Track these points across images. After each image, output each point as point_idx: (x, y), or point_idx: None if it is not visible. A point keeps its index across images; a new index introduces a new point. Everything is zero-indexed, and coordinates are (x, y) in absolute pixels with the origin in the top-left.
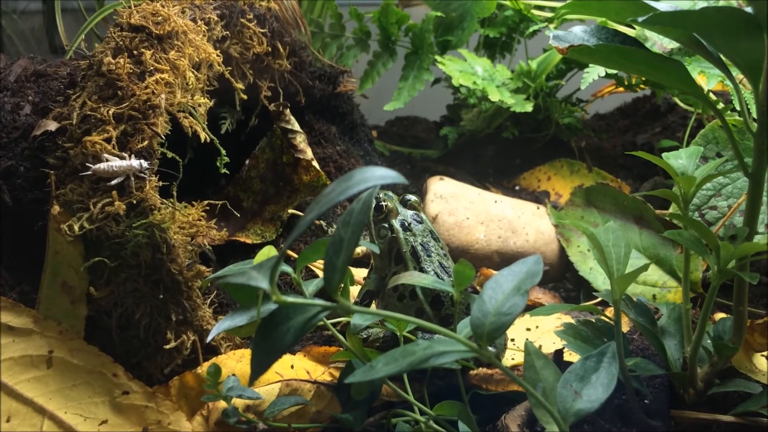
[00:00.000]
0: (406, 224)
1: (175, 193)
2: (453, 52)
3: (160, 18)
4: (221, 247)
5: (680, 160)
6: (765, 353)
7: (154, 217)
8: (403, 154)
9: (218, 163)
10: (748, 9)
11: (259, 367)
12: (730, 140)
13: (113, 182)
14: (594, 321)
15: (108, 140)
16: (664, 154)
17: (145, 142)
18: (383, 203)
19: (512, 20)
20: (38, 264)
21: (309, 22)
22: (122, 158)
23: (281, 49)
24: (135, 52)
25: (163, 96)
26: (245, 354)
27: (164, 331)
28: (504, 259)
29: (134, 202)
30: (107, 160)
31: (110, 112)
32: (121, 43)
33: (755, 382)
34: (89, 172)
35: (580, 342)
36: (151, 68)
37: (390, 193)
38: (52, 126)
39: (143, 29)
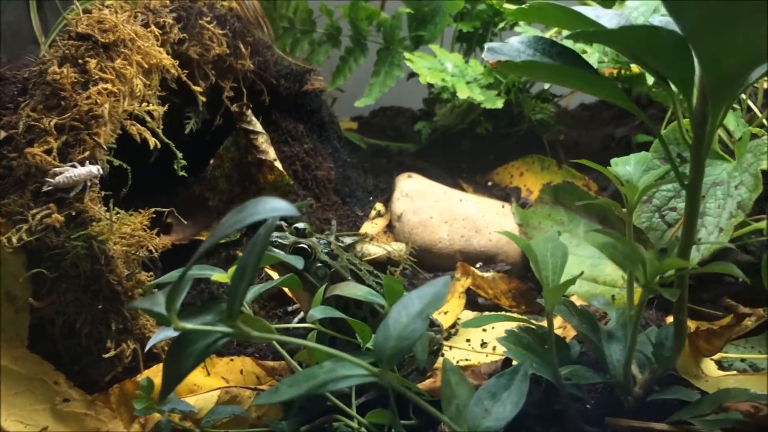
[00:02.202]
0: (332, 252)
1: (111, 205)
2: (426, 47)
3: (106, 26)
4: (186, 246)
5: (628, 167)
6: (713, 357)
7: (93, 229)
8: (381, 147)
9: (175, 166)
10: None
11: (167, 388)
12: (665, 151)
13: (72, 193)
14: (535, 328)
15: (49, 152)
16: (613, 161)
17: (87, 153)
18: (304, 246)
19: (486, 14)
20: None
21: (280, 17)
22: (74, 167)
23: (243, 50)
24: (80, 61)
25: (106, 105)
26: None
27: (105, 339)
28: (466, 258)
29: (73, 213)
30: (61, 172)
31: (52, 123)
32: (67, 52)
33: (695, 389)
34: (50, 188)
35: (521, 349)
36: (96, 77)
37: (287, 235)
38: (0, 135)
39: (89, 38)
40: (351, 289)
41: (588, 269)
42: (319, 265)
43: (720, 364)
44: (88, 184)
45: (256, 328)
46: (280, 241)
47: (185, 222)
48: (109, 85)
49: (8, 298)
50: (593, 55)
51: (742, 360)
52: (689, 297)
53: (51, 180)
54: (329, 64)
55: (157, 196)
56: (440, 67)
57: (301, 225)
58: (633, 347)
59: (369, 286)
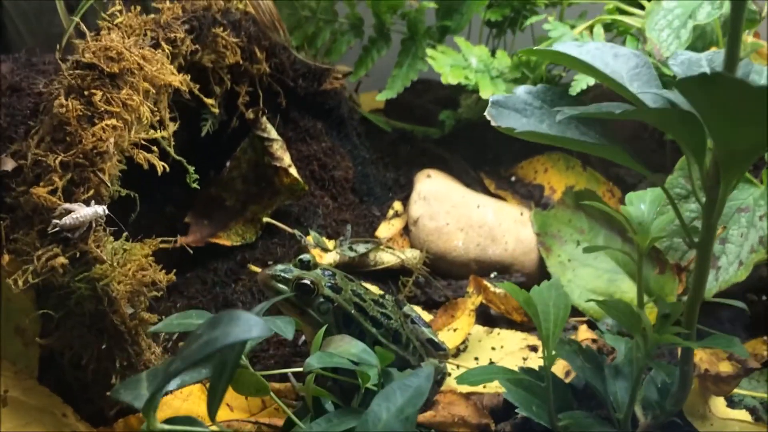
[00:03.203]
0: (335, 286)
1: (112, 246)
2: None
3: (113, 53)
4: (201, 249)
5: (642, 205)
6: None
7: (96, 271)
8: (405, 131)
9: (188, 180)
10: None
11: None
12: (674, 211)
13: (77, 234)
14: (537, 369)
15: (53, 191)
16: (628, 197)
17: (92, 191)
18: (306, 282)
19: (517, 1)
20: None
21: (301, 6)
22: (81, 206)
23: (259, 54)
24: (86, 92)
25: (111, 140)
26: (192, 392)
27: (110, 374)
28: (481, 267)
29: (77, 254)
30: (68, 211)
31: (57, 161)
32: (73, 82)
33: None
34: (56, 229)
35: (521, 391)
36: (101, 110)
37: (291, 268)
38: (9, 166)
39: (95, 68)
40: (345, 347)
41: (604, 284)
42: (322, 300)
43: (730, 400)
44: (93, 224)
45: (251, 383)
46: (283, 275)
47: (204, 222)
48: (113, 120)
49: (18, 332)
50: None
51: (753, 397)
52: (707, 316)
53: (58, 221)
54: (351, 54)
55: (176, 189)
56: (463, 64)
57: (306, 257)
58: (637, 388)
59: (373, 317)
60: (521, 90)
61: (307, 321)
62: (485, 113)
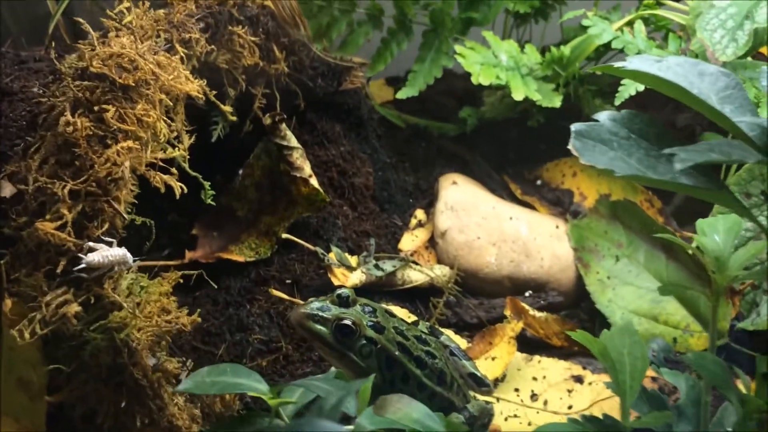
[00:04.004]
0: (377, 325)
1: (125, 286)
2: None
3: (125, 61)
4: (213, 265)
5: (716, 235)
6: None
7: (113, 319)
8: (419, 127)
9: (203, 196)
10: None
11: None
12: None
13: (95, 274)
14: (602, 417)
15: (63, 227)
16: (699, 224)
17: (106, 226)
18: (348, 322)
19: None
20: None
21: None
22: (108, 244)
23: (277, 53)
24: (96, 108)
25: (127, 164)
26: None
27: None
28: (515, 285)
29: (91, 299)
30: (92, 249)
31: (65, 190)
32: (80, 95)
33: None
34: (82, 265)
35: None
36: (114, 128)
37: (328, 305)
38: (7, 191)
39: (105, 78)
40: (406, 412)
41: (647, 305)
42: (364, 342)
43: None
44: (116, 269)
45: None
46: (321, 314)
47: (213, 234)
48: (129, 142)
49: (21, 385)
50: None
51: None
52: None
53: (84, 257)
54: (368, 48)
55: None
56: (494, 61)
57: (344, 292)
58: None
59: (417, 357)
60: (604, 117)
61: (347, 365)
62: (569, 146)
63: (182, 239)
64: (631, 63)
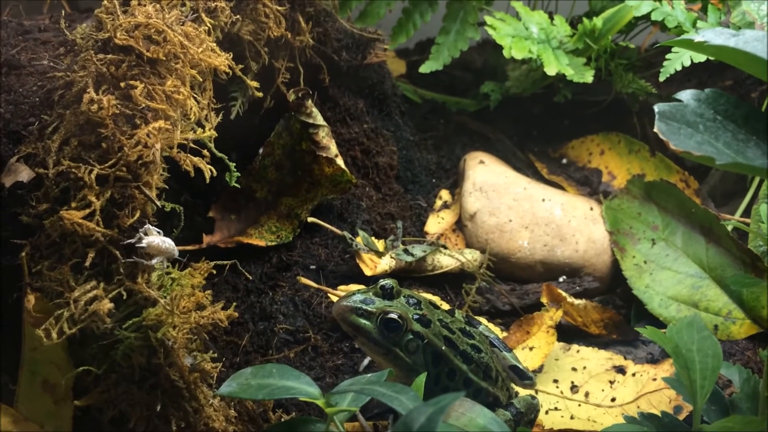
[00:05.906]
0: (423, 318)
1: (155, 278)
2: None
3: (153, 32)
4: (231, 250)
5: None
6: None
7: (148, 316)
8: (436, 103)
9: (227, 177)
10: None
11: None
12: None
13: (155, 260)
14: (660, 415)
15: (90, 216)
16: (754, 211)
17: (137, 214)
18: (394, 316)
19: None
20: (17, 344)
21: None
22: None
23: (302, 23)
24: (122, 84)
25: (158, 146)
26: None
27: None
28: (548, 270)
29: (123, 294)
30: (148, 233)
31: (92, 175)
32: (104, 69)
33: None
34: (143, 244)
35: None
36: (143, 106)
37: (372, 298)
38: (24, 175)
39: (131, 51)
40: (469, 418)
41: (687, 291)
42: (411, 337)
43: None
44: (160, 261)
45: None
46: (365, 307)
47: (231, 217)
48: (161, 122)
49: (45, 388)
50: None
51: None
52: None
53: (144, 236)
54: (389, 18)
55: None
56: (525, 34)
57: (388, 283)
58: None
59: (463, 352)
60: (688, 96)
61: (391, 361)
62: (655, 129)
63: (196, 221)
64: (705, 36)
